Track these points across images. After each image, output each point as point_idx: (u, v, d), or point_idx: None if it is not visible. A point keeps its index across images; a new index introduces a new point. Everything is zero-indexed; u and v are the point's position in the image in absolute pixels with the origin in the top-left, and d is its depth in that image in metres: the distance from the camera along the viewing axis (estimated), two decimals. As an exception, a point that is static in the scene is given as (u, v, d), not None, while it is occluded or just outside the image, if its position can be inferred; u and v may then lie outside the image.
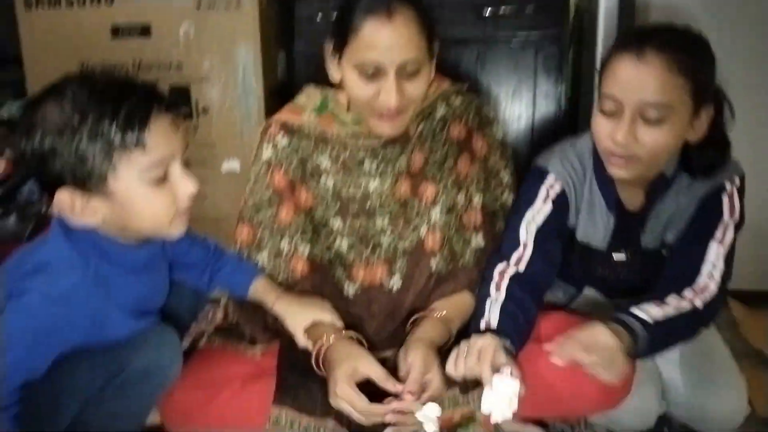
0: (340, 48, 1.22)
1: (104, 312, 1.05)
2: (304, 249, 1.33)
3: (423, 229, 1.34)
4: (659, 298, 1.17)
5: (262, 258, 1.34)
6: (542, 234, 1.27)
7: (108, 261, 1.05)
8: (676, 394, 1.27)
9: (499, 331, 1.14)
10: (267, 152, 1.34)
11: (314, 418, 1.19)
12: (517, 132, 2.04)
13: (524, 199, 1.31)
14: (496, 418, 1.06)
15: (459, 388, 1.18)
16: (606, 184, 1.26)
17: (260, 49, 1.95)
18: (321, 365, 1.20)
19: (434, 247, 1.33)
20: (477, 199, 1.35)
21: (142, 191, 0.99)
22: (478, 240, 1.34)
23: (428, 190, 1.34)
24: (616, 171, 1.19)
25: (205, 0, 1.92)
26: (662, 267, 1.28)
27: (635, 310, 1.14)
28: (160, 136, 0.98)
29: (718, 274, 1.20)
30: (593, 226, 1.30)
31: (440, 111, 1.36)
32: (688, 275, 1.21)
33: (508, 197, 1.38)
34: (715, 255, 1.21)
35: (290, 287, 1.32)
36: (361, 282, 1.35)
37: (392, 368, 1.19)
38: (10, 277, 1.01)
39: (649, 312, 1.14)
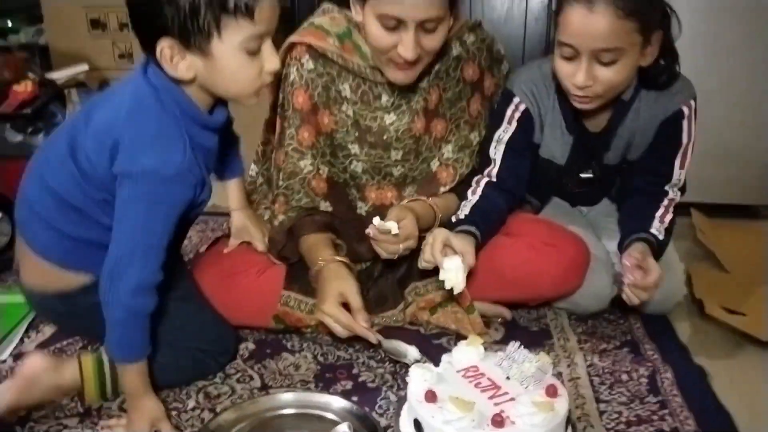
0: None
1: (200, 176, 1.12)
2: (324, 169, 1.42)
3: (434, 164, 1.45)
4: (653, 214, 1.39)
5: (278, 178, 1.42)
6: (510, 151, 1.43)
7: (192, 120, 1.10)
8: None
9: (466, 221, 1.35)
10: (292, 74, 1.37)
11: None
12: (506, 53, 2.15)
13: (494, 120, 1.46)
14: (455, 290, 1.29)
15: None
16: (566, 108, 1.40)
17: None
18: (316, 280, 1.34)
19: (446, 181, 1.46)
20: (479, 134, 1.47)
21: (239, 59, 1.05)
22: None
23: (439, 126, 1.43)
24: (580, 105, 1.34)
25: None
26: (619, 179, 1.49)
27: (653, 231, 1.36)
28: (268, 12, 1.04)
29: (677, 190, 1.44)
30: (554, 143, 1.46)
31: (455, 50, 1.40)
32: (658, 183, 1.42)
33: None
34: (677, 176, 1.42)
35: (313, 208, 1.41)
36: (373, 202, 1.48)
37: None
38: (109, 129, 1.05)
39: (659, 229, 1.37)
